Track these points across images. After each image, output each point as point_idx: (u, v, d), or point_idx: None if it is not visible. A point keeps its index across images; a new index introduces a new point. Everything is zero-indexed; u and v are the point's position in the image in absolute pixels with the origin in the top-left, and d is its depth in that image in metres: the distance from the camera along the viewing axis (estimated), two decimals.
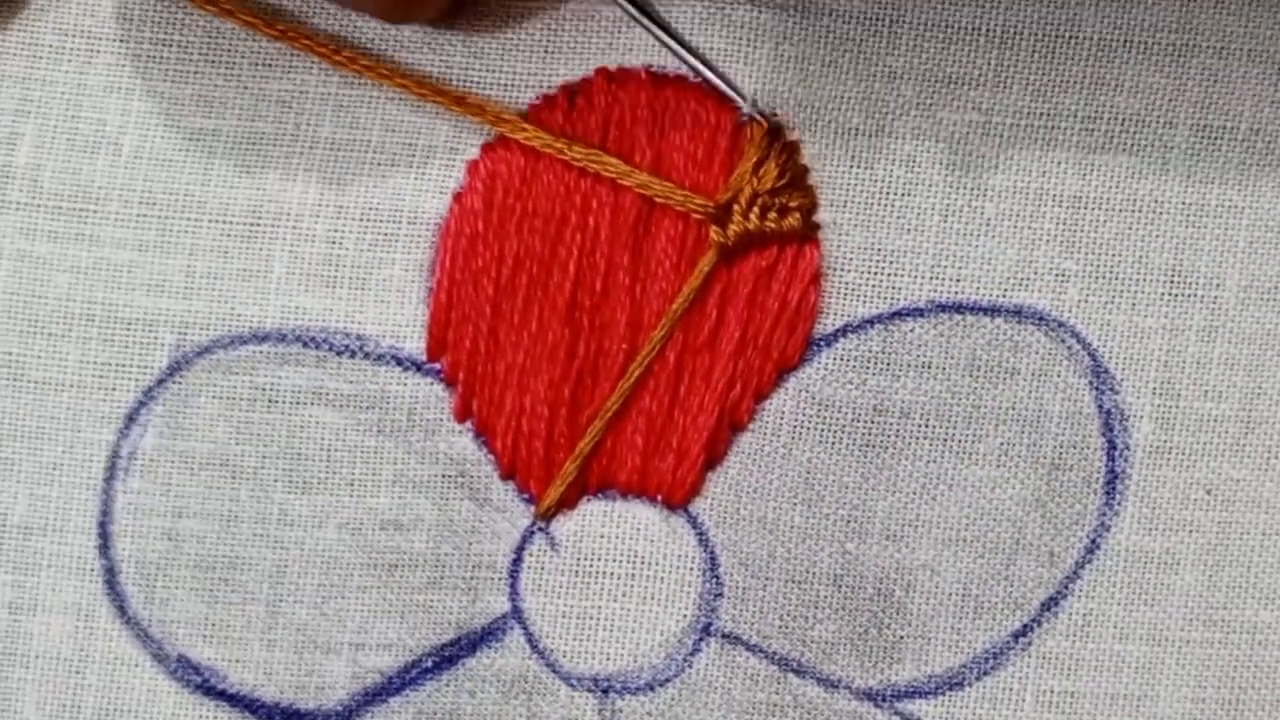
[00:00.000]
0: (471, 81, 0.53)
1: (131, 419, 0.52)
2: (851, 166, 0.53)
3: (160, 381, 0.52)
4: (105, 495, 0.52)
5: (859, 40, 0.53)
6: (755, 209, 0.52)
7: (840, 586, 0.53)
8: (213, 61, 0.53)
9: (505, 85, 0.53)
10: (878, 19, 0.53)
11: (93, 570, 0.52)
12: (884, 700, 0.53)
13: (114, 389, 0.52)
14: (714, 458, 0.52)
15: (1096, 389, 0.53)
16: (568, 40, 0.53)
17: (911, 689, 0.53)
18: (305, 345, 0.52)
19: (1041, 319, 0.53)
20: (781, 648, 0.52)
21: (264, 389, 0.52)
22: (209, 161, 0.53)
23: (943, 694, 0.53)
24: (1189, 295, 0.53)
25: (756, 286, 0.52)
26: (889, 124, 0.53)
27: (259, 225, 0.53)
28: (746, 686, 0.52)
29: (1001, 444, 0.53)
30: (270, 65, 0.53)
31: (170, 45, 0.53)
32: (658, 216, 0.52)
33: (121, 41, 0.53)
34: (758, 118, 0.52)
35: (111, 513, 0.52)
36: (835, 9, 0.53)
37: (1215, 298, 0.53)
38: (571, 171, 0.52)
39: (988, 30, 0.53)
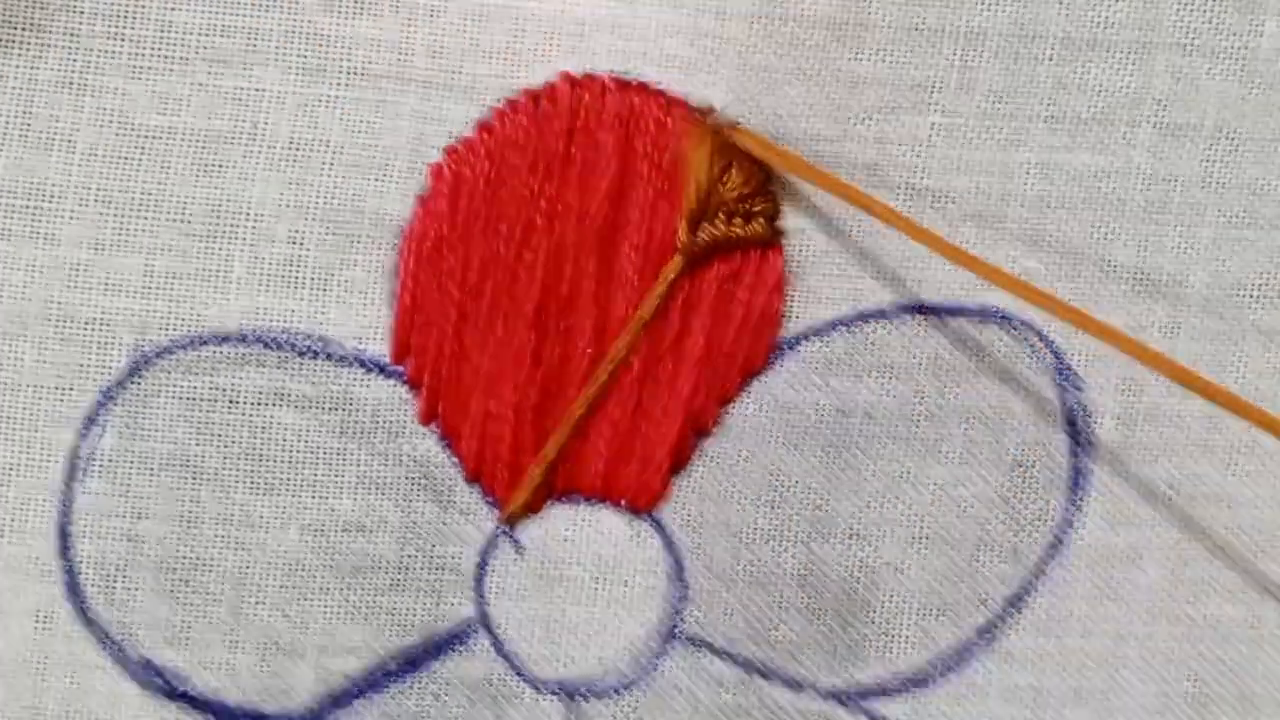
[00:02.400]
0: (434, 84, 0.52)
1: (90, 420, 0.52)
2: None
3: (119, 382, 0.52)
4: (64, 497, 0.52)
5: (824, 46, 0.52)
6: (721, 215, 0.52)
7: (806, 588, 0.53)
8: (166, 58, 0.52)
9: (467, 88, 0.52)
10: (843, 24, 0.52)
11: (52, 573, 0.52)
12: (850, 700, 0.53)
13: (72, 389, 0.52)
14: (679, 463, 0.52)
15: (1060, 387, 0.53)
16: (530, 44, 0.52)
17: (878, 688, 0.53)
18: (267, 346, 0.52)
19: (1005, 318, 0.53)
20: (748, 650, 0.53)
21: (225, 390, 0.52)
22: (166, 160, 0.52)
23: (909, 692, 0.53)
24: (1153, 293, 0.53)
25: (721, 293, 0.52)
26: (852, 129, 0.53)
27: (218, 225, 0.52)
28: (713, 690, 0.53)
29: (965, 443, 0.53)
30: (226, 63, 0.52)
31: (123, 40, 0.52)
32: (623, 223, 0.52)
33: (73, 36, 0.52)
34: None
35: (71, 515, 0.52)
36: (801, 15, 0.52)
37: (1179, 295, 0.53)
38: (536, 176, 0.52)
39: (952, 32, 0.52)
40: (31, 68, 0.52)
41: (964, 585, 0.53)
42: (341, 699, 0.52)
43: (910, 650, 0.53)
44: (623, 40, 0.52)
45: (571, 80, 0.52)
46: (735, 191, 0.52)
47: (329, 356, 0.52)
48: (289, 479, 0.52)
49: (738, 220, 0.52)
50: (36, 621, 0.52)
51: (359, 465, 0.52)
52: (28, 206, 0.52)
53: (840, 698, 0.53)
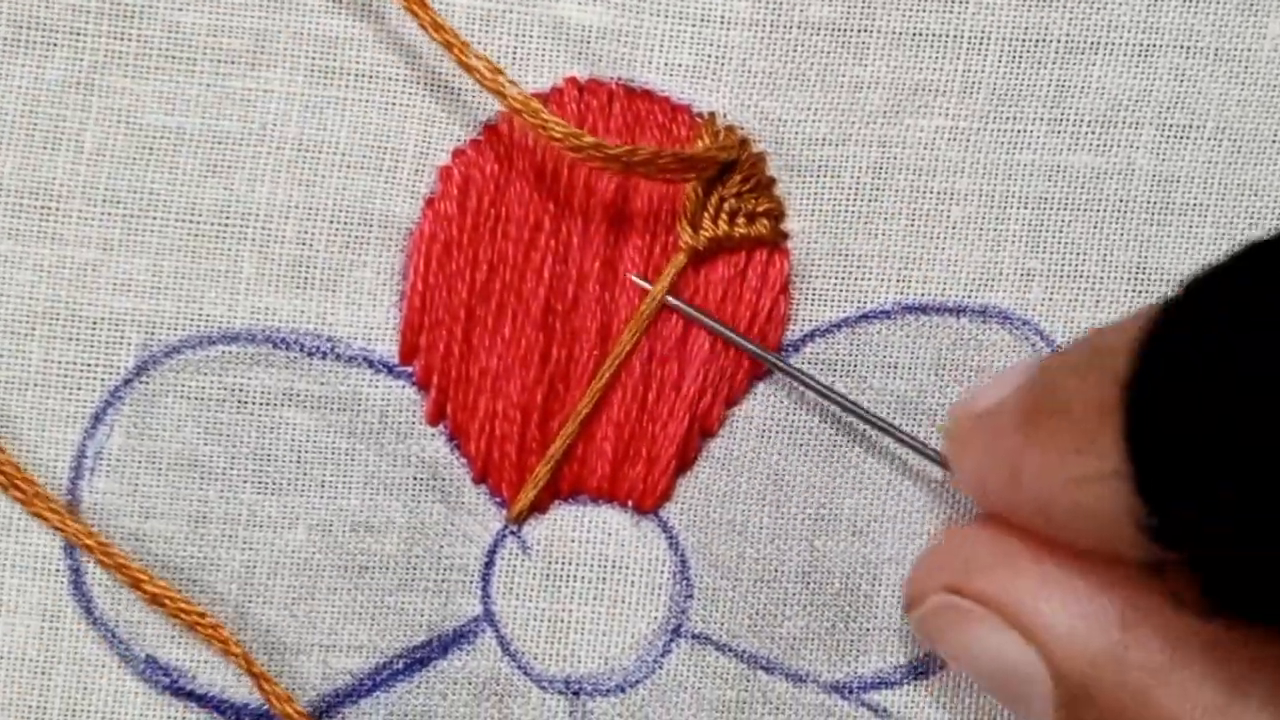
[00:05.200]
0: (440, 87, 0.52)
1: (98, 419, 0.52)
2: (819, 175, 0.53)
3: (127, 381, 0.52)
4: (71, 495, 0.52)
5: (826, 52, 0.53)
6: (724, 214, 0.52)
7: (808, 583, 0.53)
8: (174, 58, 0.52)
9: (473, 91, 0.52)
10: (845, 29, 0.53)
11: (59, 571, 0.52)
12: (851, 692, 0.53)
13: (80, 389, 0.52)
14: (684, 463, 0.53)
15: None
16: (536, 48, 0.53)
17: (878, 680, 0.53)
18: (275, 346, 0.52)
19: (1006, 318, 0.53)
20: (750, 645, 0.53)
21: (233, 390, 0.52)
22: (174, 160, 0.52)
23: (909, 683, 0.53)
24: (1153, 293, 0.53)
25: (726, 295, 0.53)
26: (856, 132, 0.53)
27: (227, 225, 0.52)
28: (716, 685, 0.53)
29: None
30: (234, 63, 0.52)
31: (130, 41, 0.52)
32: (628, 225, 0.52)
33: (79, 36, 0.52)
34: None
35: (78, 513, 0.52)
36: (804, 21, 0.53)
37: None
38: (544, 178, 0.52)
39: (955, 36, 0.53)
40: (39, 67, 0.52)
41: None
42: (347, 697, 0.52)
43: (910, 642, 0.53)
44: (628, 47, 0.53)
45: (578, 85, 0.53)
46: (735, 190, 0.52)
47: (337, 357, 0.52)
48: (297, 479, 0.52)
49: (740, 220, 0.52)
50: (43, 619, 0.52)
51: (367, 465, 0.52)
52: (35, 206, 0.52)
53: (841, 690, 0.53)
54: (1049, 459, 0.41)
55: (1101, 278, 0.53)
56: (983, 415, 0.46)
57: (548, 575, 0.53)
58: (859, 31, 0.53)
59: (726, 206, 0.52)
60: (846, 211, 0.53)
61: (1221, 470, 0.36)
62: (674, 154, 0.50)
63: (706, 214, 0.52)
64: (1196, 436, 0.36)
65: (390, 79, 0.52)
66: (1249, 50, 0.53)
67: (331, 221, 0.52)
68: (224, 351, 0.52)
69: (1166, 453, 0.37)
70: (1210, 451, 0.36)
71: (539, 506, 0.53)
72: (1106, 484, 0.39)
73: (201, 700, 0.52)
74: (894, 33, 0.53)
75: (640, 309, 0.52)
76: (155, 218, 0.52)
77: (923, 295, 0.53)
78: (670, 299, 0.52)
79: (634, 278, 0.52)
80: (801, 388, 0.53)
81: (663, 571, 0.53)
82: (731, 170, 0.52)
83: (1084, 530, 0.41)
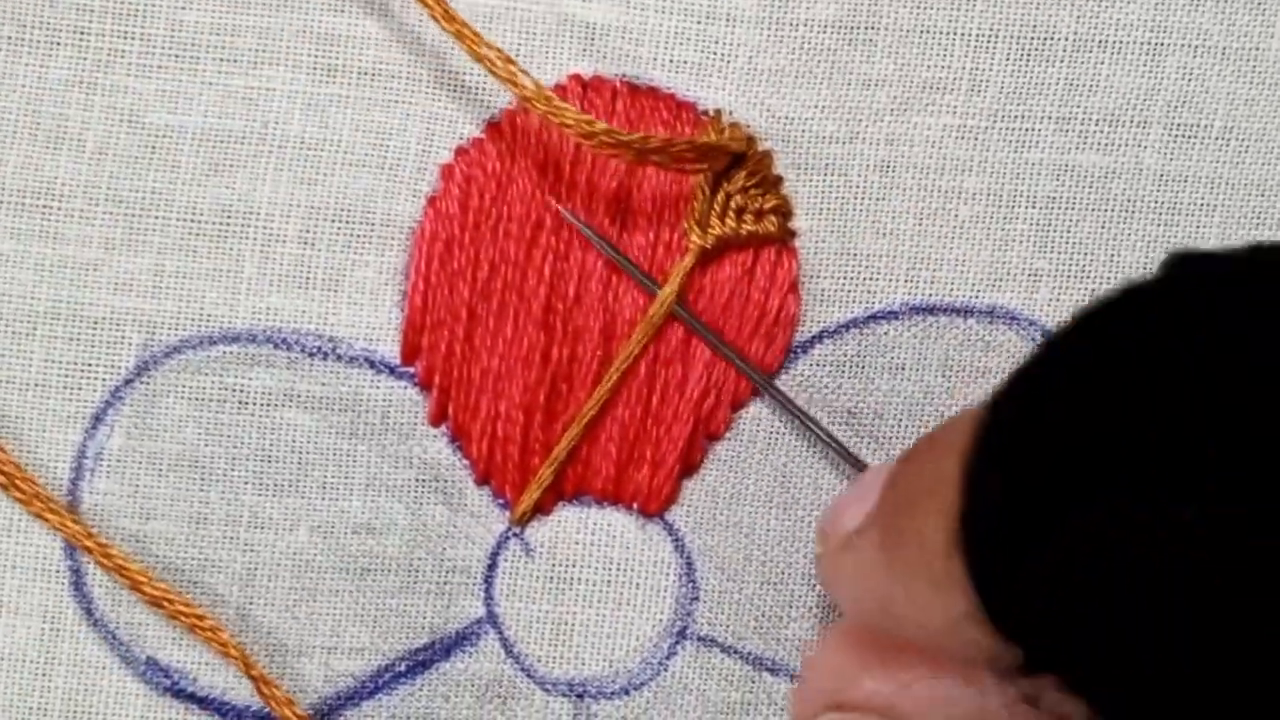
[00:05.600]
0: (443, 84, 0.52)
1: (98, 419, 0.52)
2: (826, 174, 0.53)
3: (128, 381, 0.52)
4: (72, 496, 0.52)
5: (833, 49, 0.53)
6: (731, 212, 0.52)
7: (813, 585, 0.53)
8: (177, 57, 0.52)
9: (477, 88, 0.52)
10: (853, 27, 0.52)
11: (59, 572, 0.52)
12: None
13: (80, 389, 0.52)
14: (690, 467, 0.52)
15: None
16: (540, 45, 0.52)
17: None
18: (276, 346, 0.52)
19: (1014, 319, 0.53)
20: (756, 648, 0.53)
21: (234, 390, 0.52)
22: (176, 159, 0.52)
23: None
24: None
25: (734, 295, 0.52)
26: (863, 130, 0.53)
27: (228, 224, 0.52)
28: (721, 687, 0.53)
29: None
30: (236, 62, 0.52)
31: (133, 39, 0.52)
32: (632, 224, 0.52)
33: (82, 35, 0.52)
34: None
35: (78, 514, 0.52)
36: (811, 19, 0.52)
37: None
38: (546, 176, 0.52)
39: (963, 33, 0.53)
40: (41, 66, 0.52)
41: None
42: (349, 699, 0.52)
43: None
44: (632, 44, 0.52)
45: (582, 82, 0.52)
46: (741, 186, 0.52)
47: (339, 357, 0.52)
48: (298, 480, 0.52)
49: (748, 217, 0.52)
50: (43, 620, 0.52)
51: (368, 466, 0.52)
52: (37, 205, 0.52)
53: None
54: (911, 595, 0.40)
55: (1109, 278, 0.53)
56: (849, 544, 0.45)
57: (551, 577, 0.52)
58: (866, 29, 0.53)
59: (734, 204, 0.52)
60: (854, 210, 0.53)
61: (1070, 608, 0.35)
62: (687, 142, 0.50)
63: (714, 211, 0.52)
64: (1038, 576, 0.36)
65: (393, 77, 0.52)
66: (1257, 49, 0.53)
67: (333, 221, 0.52)
68: (225, 352, 0.52)
69: (1011, 593, 0.37)
70: (1057, 589, 0.36)
71: (542, 508, 0.52)
72: (963, 625, 0.38)
73: (203, 702, 0.52)
74: (901, 30, 0.53)
75: (650, 313, 0.52)
76: (157, 217, 0.52)
77: (930, 295, 0.53)
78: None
79: (563, 211, 0.52)
80: (806, 389, 0.52)
81: (668, 574, 0.52)
82: (739, 167, 0.52)
83: (955, 655, 0.40)
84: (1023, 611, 0.36)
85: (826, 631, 0.51)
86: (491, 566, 0.52)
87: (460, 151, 0.52)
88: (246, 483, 0.52)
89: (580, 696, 0.52)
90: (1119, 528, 0.35)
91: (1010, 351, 0.53)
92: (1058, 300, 0.53)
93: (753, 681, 0.53)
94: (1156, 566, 0.34)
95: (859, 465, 0.51)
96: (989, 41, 0.53)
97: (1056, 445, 0.36)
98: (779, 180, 0.53)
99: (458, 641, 0.52)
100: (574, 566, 0.52)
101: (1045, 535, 0.35)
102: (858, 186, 0.53)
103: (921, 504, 0.40)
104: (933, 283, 0.53)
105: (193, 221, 0.52)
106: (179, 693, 0.52)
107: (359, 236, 0.52)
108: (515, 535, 0.52)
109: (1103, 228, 0.53)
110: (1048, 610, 0.36)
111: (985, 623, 0.38)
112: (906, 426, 0.52)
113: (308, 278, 0.52)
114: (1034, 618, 0.36)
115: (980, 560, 0.37)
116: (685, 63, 0.52)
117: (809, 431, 0.52)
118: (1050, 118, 0.53)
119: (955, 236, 0.53)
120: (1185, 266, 0.38)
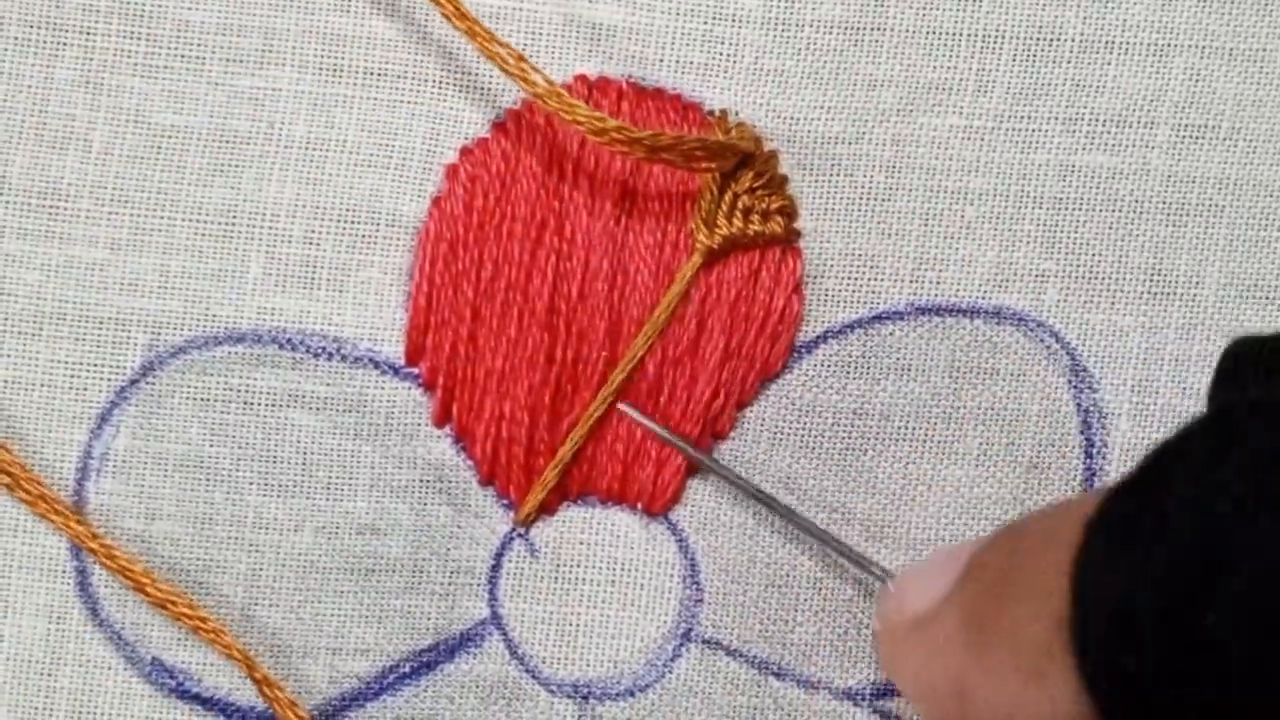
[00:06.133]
0: (448, 85, 0.52)
1: (104, 419, 0.52)
2: (832, 174, 0.53)
3: (133, 382, 0.52)
4: (77, 496, 0.52)
5: (839, 50, 0.52)
6: (738, 212, 0.52)
7: (820, 589, 0.53)
8: (183, 57, 0.52)
9: (484, 89, 0.52)
10: (859, 28, 0.52)
11: (65, 572, 0.52)
12: (864, 699, 0.53)
13: (86, 389, 0.52)
14: (695, 467, 0.52)
15: (1075, 388, 0.53)
16: (546, 46, 0.52)
17: (890, 687, 0.53)
18: (281, 347, 0.52)
19: (1020, 319, 0.53)
20: (762, 651, 0.52)
21: (239, 390, 0.52)
22: (181, 159, 0.52)
23: None
24: (1168, 294, 0.53)
25: (740, 295, 0.52)
26: (869, 131, 0.53)
27: (234, 224, 0.52)
28: (727, 690, 0.52)
29: (980, 444, 0.53)
30: (242, 62, 0.52)
31: (139, 40, 0.52)
32: (636, 224, 0.52)
33: (89, 35, 0.52)
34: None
35: (83, 514, 0.52)
36: (817, 20, 0.52)
37: (1194, 296, 0.53)
38: (550, 176, 0.52)
39: (969, 34, 0.52)
40: (48, 66, 0.52)
41: None
42: (353, 700, 0.52)
43: None
44: (639, 45, 0.52)
45: (588, 83, 0.52)
46: (748, 186, 0.52)
47: (343, 358, 0.52)
48: (303, 480, 0.52)
49: (755, 217, 0.52)
50: (49, 620, 0.52)
51: (373, 467, 0.52)
52: (43, 205, 0.52)
53: (853, 697, 0.53)
54: (1000, 686, 0.39)
55: (1116, 279, 0.53)
56: (920, 624, 0.44)
57: (556, 578, 0.52)
58: (872, 29, 0.52)
59: (741, 204, 0.52)
60: (859, 210, 0.53)
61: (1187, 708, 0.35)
62: (698, 140, 0.50)
63: (721, 212, 0.52)
64: (1155, 683, 0.35)
65: (398, 77, 0.52)
66: (1264, 50, 0.53)
67: (339, 221, 0.52)
68: (230, 352, 0.52)
69: (1129, 697, 0.36)
70: (1174, 694, 0.35)
71: (547, 508, 0.52)
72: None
73: (207, 703, 0.52)
74: (907, 30, 0.52)
75: (655, 313, 0.52)
76: (162, 217, 0.52)
77: (936, 296, 0.53)
78: (622, 405, 0.52)
79: (624, 408, 0.52)
80: (811, 390, 0.52)
81: (673, 575, 0.52)
82: (746, 167, 0.52)
83: None
84: (1141, 708, 0.36)
85: None
86: (496, 567, 0.52)
87: (465, 152, 0.52)
88: (251, 483, 0.52)
89: (585, 698, 0.52)
90: (1248, 616, 0.34)
91: (1016, 352, 0.53)
92: (1064, 301, 0.53)
93: (758, 686, 0.53)
94: None
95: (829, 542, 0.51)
96: (995, 42, 0.53)
97: (1177, 542, 0.35)
98: (785, 180, 0.52)
99: (462, 642, 0.52)
100: (578, 567, 0.52)
101: (1165, 633, 0.35)
102: (863, 187, 0.53)
103: (1017, 595, 0.39)
104: (938, 283, 0.53)
105: (198, 222, 0.52)
106: (184, 693, 0.52)
107: (364, 237, 0.52)
108: (520, 536, 0.52)
109: (1109, 229, 0.53)
110: (1168, 705, 0.35)
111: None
112: (913, 427, 0.52)
113: (313, 278, 0.52)
114: (1153, 714, 0.35)
115: (1095, 660, 0.36)
116: (691, 63, 0.52)
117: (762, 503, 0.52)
118: (1057, 119, 0.53)
119: (961, 237, 0.53)
120: None
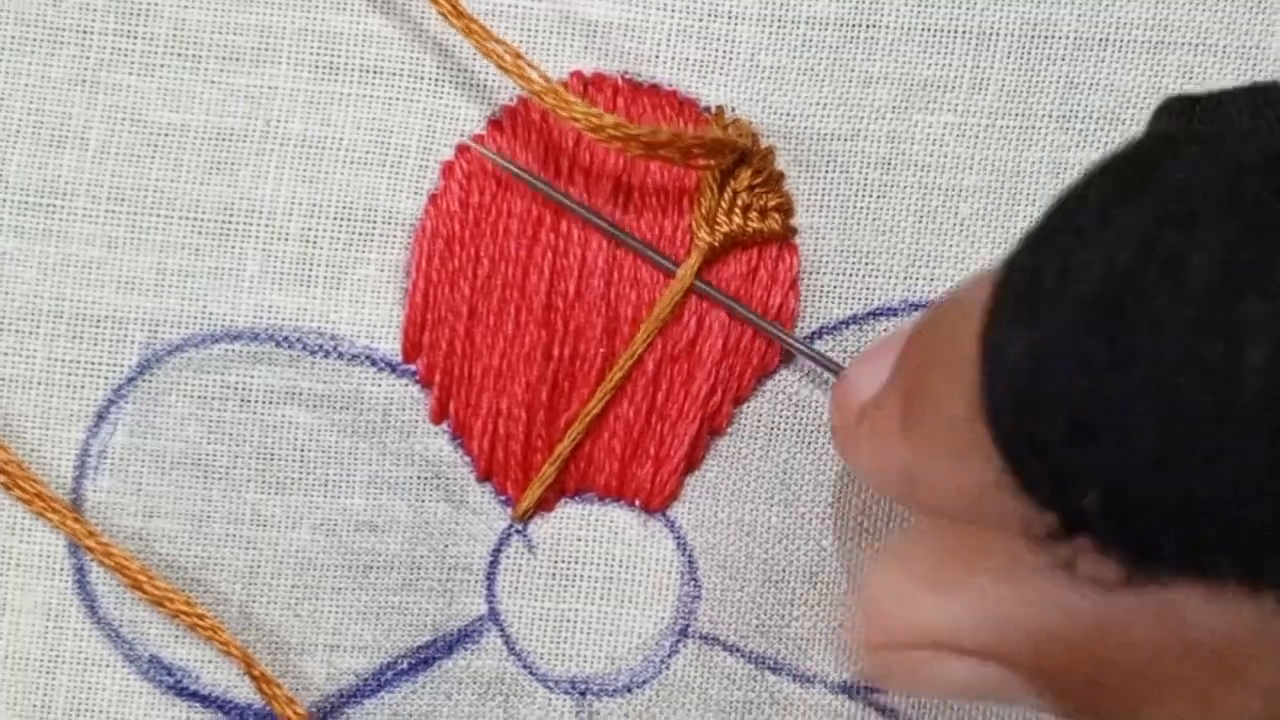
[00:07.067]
0: (444, 82, 0.52)
1: (101, 417, 0.52)
2: (827, 171, 0.53)
3: (130, 380, 0.52)
4: (74, 494, 0.52)
5: (835, 46, 0.53)
6: (737, 209, 0.52)
7: (816, 583, 0.53)
8: (179, 55, 0.52)
9: (478, 86, 0.52)
10: (854, 25, 0.53)
11: (62, 570, 0.52)
12: (859, 693, 0.53)
13: (83, 387, 0.52)
14: (693, 463, 0.52)
15: None
16: (542, 43, 0.52)
17: None
18: (278, 344, 0.52)
19: None
20: (758, 646, 0.53)
21: (236, 388, 0.52)
22: (178, 157, 0.52)
23: None
24: None
25: (738, 293, 0.52)
26: (864, 128, 0.53)
27: (231, 222, 0.52)
28: (724, 686, 0.53)
29: None
30: (239, 60, 0.52)
31: (136, 38, 0.52)
32: (633, 220, 0.52)
33: (85, 33, 0.52)
34: None
35: (81, 512, 0.52)
36: (812, 17, 0.53)
37: None
38: (547, 173, 0.52)
39: (964, 31, 0.53)
40: (44, 64, 0.52)
41: None
42: (351, 697, 0.52)
43: None
44: (634, 42, 0.52)
45: (583, 80, 0.52)
46: (747, 183, 0.52)
47: (340, 355, 0.52)
48: (300, 477, 0.52)
49: (753, 214, 0.52)
50: (46, 618, 0.52)
51: (370, 464, 0.52)
52: (40, 204, 0.52)
53: (849, 690, 0.53)
54: (932, 465, 0.39)
55: None
56: (865, 413, 0.43)
57: (553, 574, 0.52)
58: (867, 26, 0.53)
59: (740, 201, 0.52)
60: (854, 207, 0.53)
61: (1101, 469, 0.34)
62: (696, 136, 0.50)
63: (721, 209, 0.52)
64: (1064, 447, 0.34)
65: (394, 74, 0.52)
66: (1258, 48, 0.53)
67: (335, 218, 0.52)
68: (227, 349, 0.52)
69: (1040, 461, 0.35)
70: (1088, 451, 0.34)
71: (544, 505, 0.52)
72: (991, 493, 0.36)
73: (206, 701, 0.52)
74: (902, 27, 0.53)
75: (656, 309, 0.52)
76: (159, 215, 0.52)
77: (930, 293, 0.53)
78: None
79: (481, 149, 0.52)
80: (808, 386, 0.52)
81: (670, 571, 0.52)
82: (744, 164, 0.52)
83: (986, 523, 0.38)
84: (1052, 472, 0.35)
85: (872, 562, 0.50)
86: (493, 563, 0.52)
87: (461, 148, 0.52)
88: (249, 480, 0.52)
89: (583, 694, 0.52)
90: (1152, 373, 0.33)
91: None
92: None
93: (755, 681, 0.53)
94: (1198, 408, 0.32)
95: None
96: (990, 39, 0.53)
97: (1078, 299, 0.34)
98: (782, 177, 0.53)
99: (460, 639, 0.52)
100: (576, 563, 0.52)
101: (1070, 395, 0.34)
102: (858, 183, 0.53)
103: (939, 371, 0.38)
104: (932, 280, 0.53)
105: (195, 219, 0.52)
106: (182, 691, 0.52)
107: (360, 234, 0.52)
108: (517, 532, 0.52)
109: None
110: (1076, 467, 0.34)
111: (1014, 489, 0.36)
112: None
113: (309, 275, 0.52)
114: (1063, 476, 0.34)
115: (1004, 427, 0.35)
116: (687, 60, 0.53)
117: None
118: (1051, 116, 0.53)
119: (955, 234, 0.53)
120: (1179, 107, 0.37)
